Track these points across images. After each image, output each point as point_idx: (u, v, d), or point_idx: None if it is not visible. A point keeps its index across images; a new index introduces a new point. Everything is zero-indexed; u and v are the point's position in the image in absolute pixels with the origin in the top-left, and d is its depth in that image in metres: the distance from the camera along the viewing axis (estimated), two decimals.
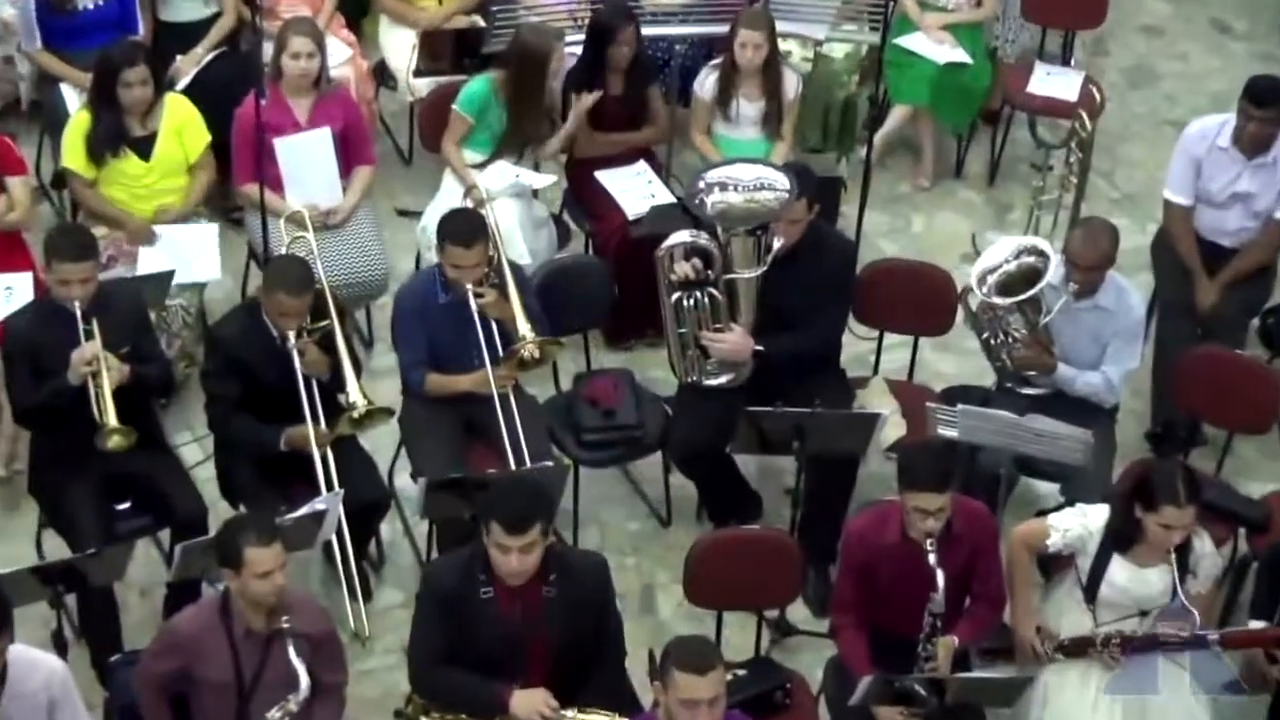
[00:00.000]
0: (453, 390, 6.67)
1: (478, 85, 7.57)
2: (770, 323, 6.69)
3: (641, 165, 7.84)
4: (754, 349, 6.67)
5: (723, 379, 6.76)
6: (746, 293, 6.65)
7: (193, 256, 7.21)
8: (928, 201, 8.69)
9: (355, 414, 6.37)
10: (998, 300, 6.60)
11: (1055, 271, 6.57)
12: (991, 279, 6.62)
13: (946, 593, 5.72)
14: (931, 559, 5.70)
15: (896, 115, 8.61)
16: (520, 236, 7.37)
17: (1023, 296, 6.57)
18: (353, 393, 6.39)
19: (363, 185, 7.53)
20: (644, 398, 7.02)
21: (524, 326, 6.57)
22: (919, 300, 7.11)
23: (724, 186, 6.58)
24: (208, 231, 7.27)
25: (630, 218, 7.59)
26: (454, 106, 7.57)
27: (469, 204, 7.24)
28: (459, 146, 7.60)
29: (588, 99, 7.56)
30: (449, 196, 7.54)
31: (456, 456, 6.60)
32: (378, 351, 7.67)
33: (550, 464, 6.44)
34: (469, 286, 6.52)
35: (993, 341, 6.77)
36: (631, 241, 7.49)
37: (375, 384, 7.14)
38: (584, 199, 7.86)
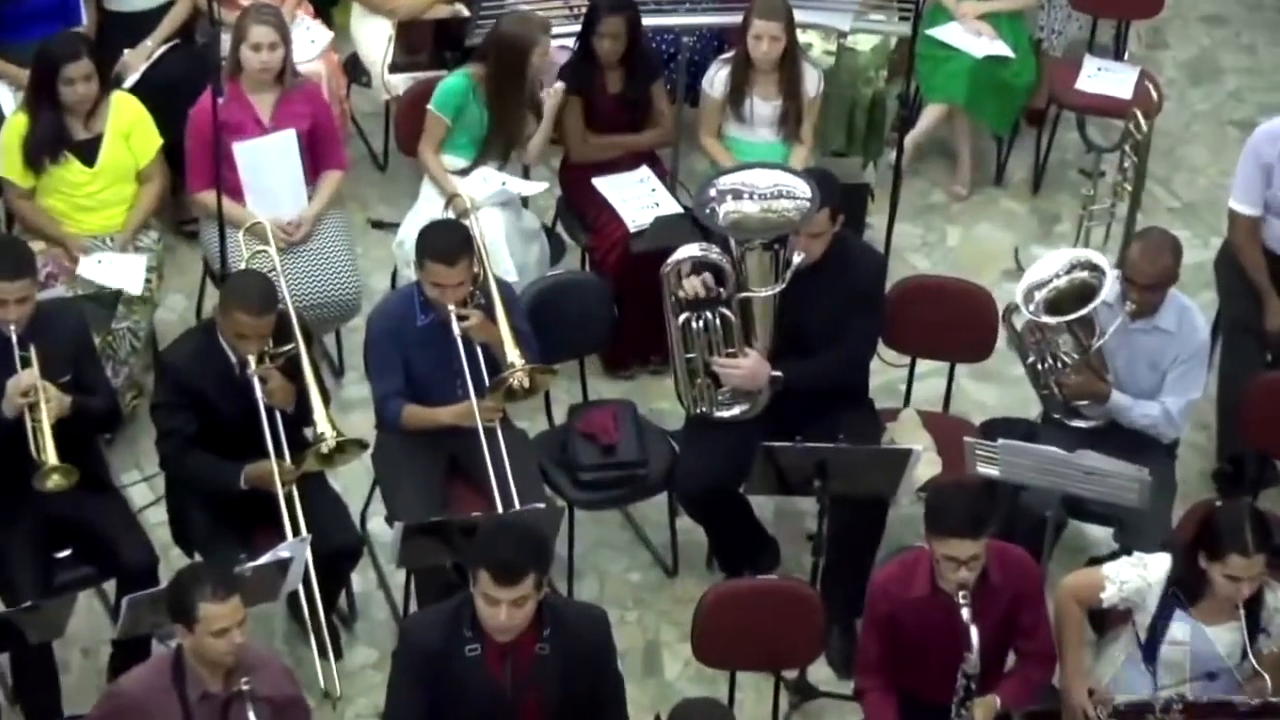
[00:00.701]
0: (433, 424, 6.66)
1: (454, 82, 7.58)
2: (789, 347, 6.69)
3: (644, 171, 7.86)
4: (771, 376, 6.67)
5: (736, 410, 6.76)
6: (763, 313, 6.65)
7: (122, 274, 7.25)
8: (965, 212, 8.70)
9: (323, 448, 6.36)
10: (1046, 319, 6.60)
11: (1111, 289, 6.58)
12: (1040, 295, 6.62)
13: (983, 651, 5.72)
14: (965, 614, 5.70)
15: (930, 115, 8.62)
16: (507, 251, 7.38)
17: (1074, 315, 6.58)
18: (320, 424, 6.38)
19: (330, 192, 7.54)
20: (647, 432, 7.01)
21: (512, 352, 6.57)
22: (956, 322, 7.11)
23: (738, 194, 6.58)
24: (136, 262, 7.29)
25: (632, 230, 7.60)
26: (429, 106, 7.58)
27: (451, 215, 7.24)
28: (437, 151, 7.61)
29: (553, 94, 7.56)
30: (428, 206, 7.54)
31: (437, 498, 6.61)
32: (349, 381, 7.67)
33: (543, 506, 6.44)
34: (451, 307, 6.51)
35: (1039, 366, 6.77)
36: (633, 256, 7.51)
37: (346, 417, 7.17)
38: (580, 209, 7.86)
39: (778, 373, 6.65)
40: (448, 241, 6.55)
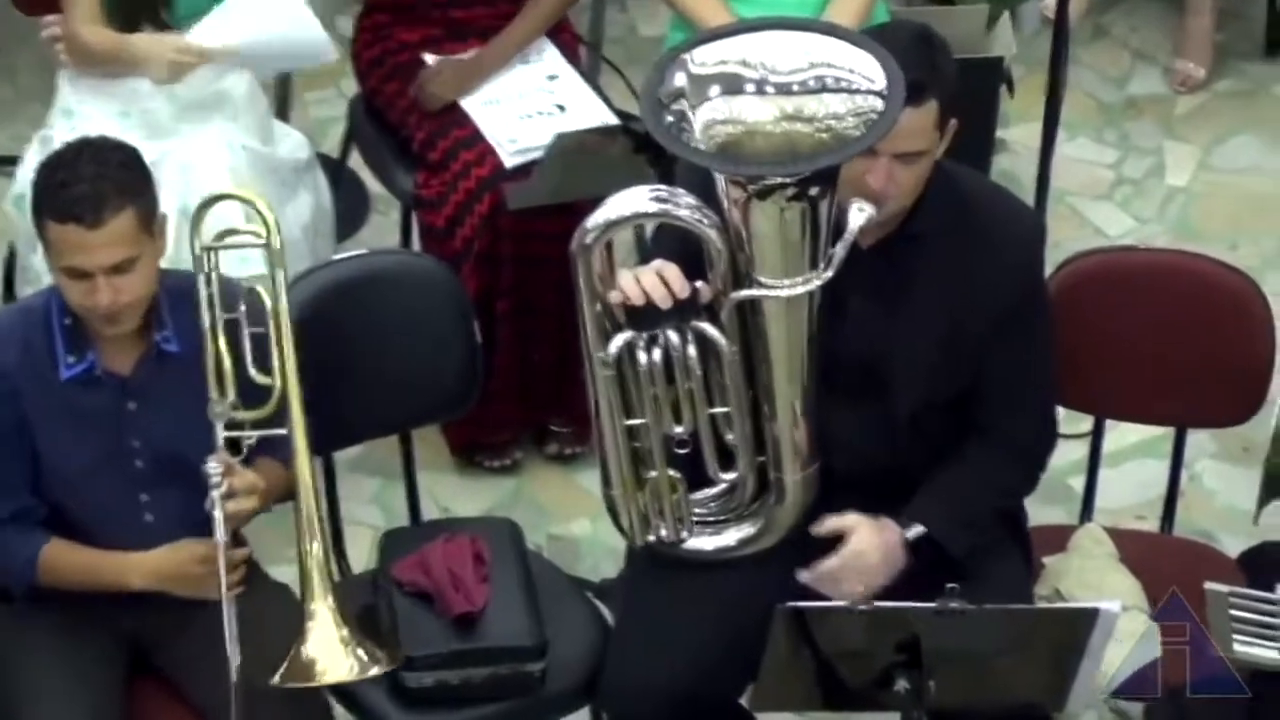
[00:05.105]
0: (104, 582, 6.73)
1: None
2: (848, 404, 6.78)
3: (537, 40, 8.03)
4: (905, 541, 6.77)
5: (729, 539, 6.84)
6: (788, 333, 6.68)
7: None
8: (1201, 116, 8.91)
9: None
10: None
11: None
12: None
13: None
14: None
15: None
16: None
17: None
18: None
19: None
20: (545, 587, 7.14)
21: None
22: (1188, 343, 7.22)
23: (732, 85, 6.57)
24: None
25: (508, 162, 7.80)
26: None
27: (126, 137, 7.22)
28: (95, 20, 7.73)
29: None
30: (75, 122, 7.70)
31: None
32: None
33: None
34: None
35: None
36: (510, 218, 7.69)
37: None
38: (398, 120, 8.02)
39: (918, 527, 6.76)
40: (85, 176, 6.51)
